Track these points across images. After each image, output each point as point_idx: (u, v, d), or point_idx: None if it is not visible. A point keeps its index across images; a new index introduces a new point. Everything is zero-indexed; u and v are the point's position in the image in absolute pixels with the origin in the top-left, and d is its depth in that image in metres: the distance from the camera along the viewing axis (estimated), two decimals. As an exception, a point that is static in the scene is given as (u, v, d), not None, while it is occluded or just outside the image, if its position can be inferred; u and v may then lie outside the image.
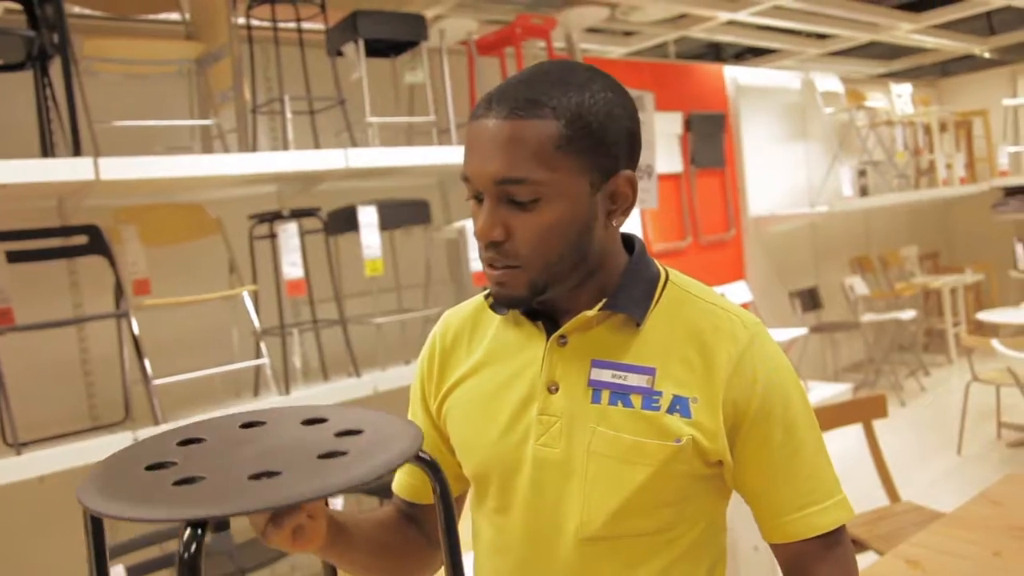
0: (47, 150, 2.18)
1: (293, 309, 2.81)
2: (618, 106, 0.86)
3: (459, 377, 0.98)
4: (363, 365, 2.55)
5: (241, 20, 2.50)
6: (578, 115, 0.83)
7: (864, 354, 5.84)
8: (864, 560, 2.22)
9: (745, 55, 5.75)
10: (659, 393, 0.87)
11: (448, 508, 0.75)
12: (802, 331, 4.81)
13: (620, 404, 0.87)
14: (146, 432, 2.06)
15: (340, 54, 2.66)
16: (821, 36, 5.01)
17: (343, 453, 0.63)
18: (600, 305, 0.90)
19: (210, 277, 2.52)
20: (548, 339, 0.91)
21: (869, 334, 5.73)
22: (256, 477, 0.59)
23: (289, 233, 2.38)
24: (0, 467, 1.87)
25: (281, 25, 2.61)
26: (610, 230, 0.90)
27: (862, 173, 5.39)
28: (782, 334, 4.72)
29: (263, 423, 0.73)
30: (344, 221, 2.53)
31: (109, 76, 2.37)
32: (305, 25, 2.65)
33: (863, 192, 5.41)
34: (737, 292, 4.88)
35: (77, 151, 2.08)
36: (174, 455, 0.65)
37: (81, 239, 2.22)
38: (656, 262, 0.97)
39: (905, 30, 4.74)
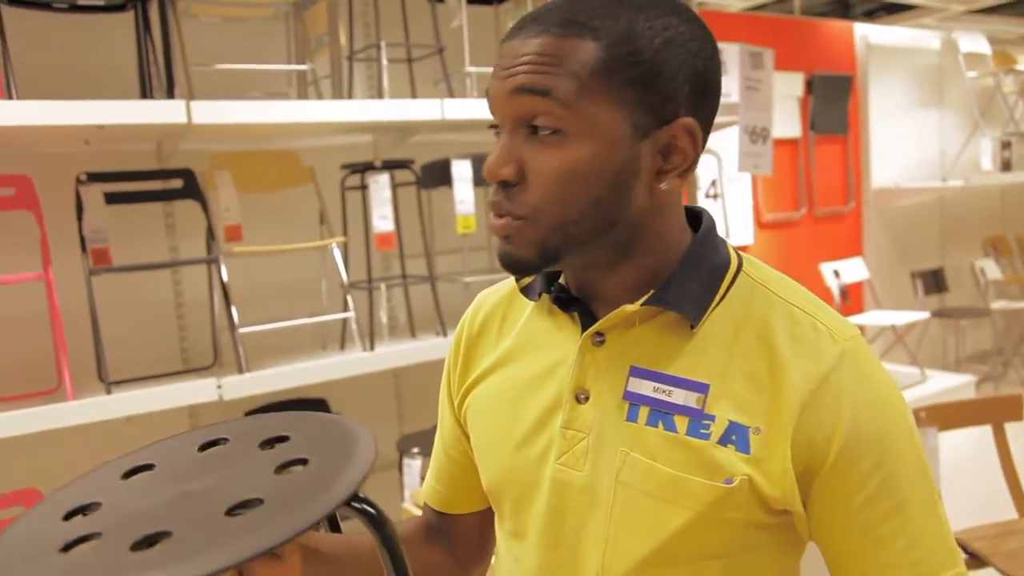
0: (146, 92, 2.18)
1: (383, 263, 2.76)
2: (685, 36, 0.68)
3: (482, 371, 0.83)
4: (451, 324, 2.47)
5: (341, -38, 2.43)
6: (626, 39, 0.66)
7: (992, 344, 5.39)
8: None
9: (877, 12, 5.30)
10: (711, 417, 0.69)
11: (398, 564, 0.61)
12: (923, 315, 4.47)
13: (661, 426, 0.70)
14: (231, 380, 2.06)
15: (441, 0, 2.56)
16: (968, -9, 4.55)
17: (259, 502, 0.54)
18: (643, 299, 0.71)
19: (301, 226, 2.49)
20: (582, 335, 0.74)
21: (999, 322, 5.29)
22: (139, 546, 0.52)
23: (380, 185, 2.31)
24: (90, 405, 1.90)
25: (382, -31, 2.52)
26: (659, 195, 0.70)
27: (1006, 145, 4.91)
28: (900, 317, 4.40)
29: (225, 440, 0.66)
30: (437, 174, 2.44)
31: (209, 19, 2.35)
32: (407, -31, 2.55)
33: (1005, 166, 4.94)
34: (853, 269, 4.57)
35: (171, 93, 2.06)
36: (106, 492, 0.60)
37: (176, 183, 2.22)
38: (729, 245, 0.76)
39: (1068, -15, 4.25)
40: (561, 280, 0.80)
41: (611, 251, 0.72)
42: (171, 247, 2.42)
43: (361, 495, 0.57)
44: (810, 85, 4.47)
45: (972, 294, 5.36)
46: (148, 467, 0.63)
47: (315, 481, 0.56)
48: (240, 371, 2.09)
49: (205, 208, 2.20)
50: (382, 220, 2.31)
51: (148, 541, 0.52)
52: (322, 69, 2.40)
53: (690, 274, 0.73)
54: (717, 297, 0.73)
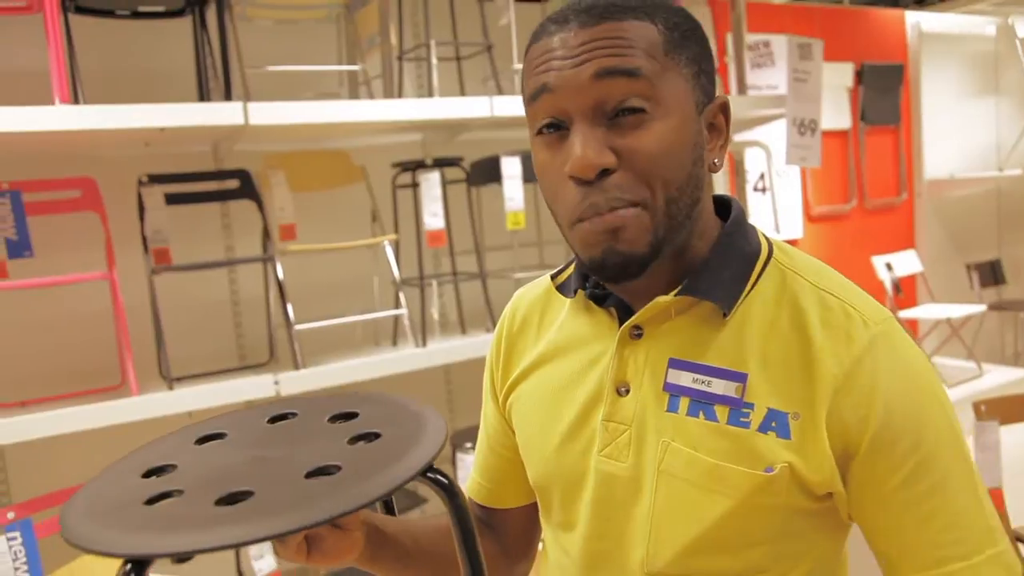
0: (204, 95, 2.23)
1: (433, 260, 2.79)
2: (697, 23, 0.72)
3: (524, 369, 0.84)
4: (500, 320, 2.49)
5: (390, -37, 2.45)
6: (674, 21, 0.69)
7: (1052, 336, 5.24)
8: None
9: None
10: (750, 406, 0.69)
11: (468, 534, 0.60)
12: (979, 308, 4.37)
13: (701, 416, 0.71)
14: (287, 375, 2.10)
15: (489, -2, 2.57)
16: (1025, -24, 4.42)
17: (337, 468, 0.55)
18: (677, 290, 0.72)
19: (353, 225, 2.53)
20: (619, 329, 0.75)
21: (1059, 314, 5.13)
22: (224, 501, 0.52)
23: (431, 183, 2.34)
24: (154, 400, 1.95)
25: (430, -32, 2.54)
26: (706, 177, 0.73)
27: (1065, 133, 4.77)
28: (955, 310, 4.30)
29: (294, 414, 0.67)
30: (487, 172, 2.46)
31: (262, 22, 2.39)
32: (454, -32, 2.57)
33: (1064, 154, 4.80)
34: (906, 262, 4.48)
35: (228, 96, 2.11)
36: (182, 455, 0.61)
37: (233, 183, 2.27)
38: (759, 232, 0.77)
39: None
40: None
41: (687, 233, 0.73)
42: (227, 246, 2.48)
43: (435, 466, 0.58)
44: (860, 75, 4.38)
45: (1030, 286, 5.22)
46: (220, 436, 0.64)
47: (391, 451, 0.57)
48: (296, 367, 2.14)
49: (260, 208, 2.24)
50: (433, 217, 2.33)
51: (231, 499, 0.53)
52: (373, 69, 2.43)
53: (722, 262, 0.73)
54: (749, 285, 0.73)
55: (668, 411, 0.72)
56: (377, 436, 0.60)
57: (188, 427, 0.67)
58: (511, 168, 2.39)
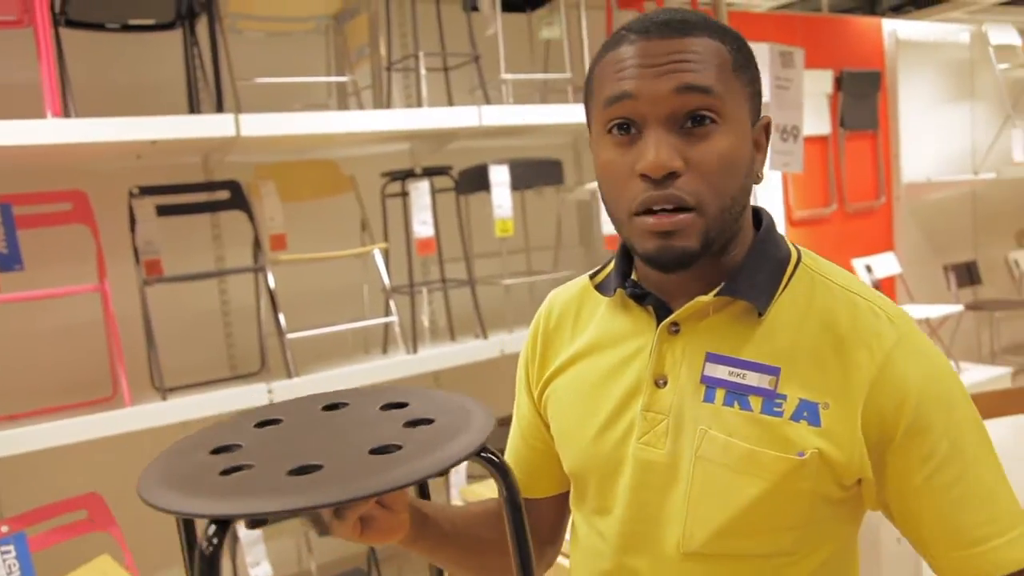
0: (194, 107, 2.24)
1: (423, 268, 2.81)
2: (751, 49, 0.79)
3: (561, 363, 0.89)
4: (490, 327, 2.52)
5: (378, -25, 2.47)
6: (738, 44, 0.75)
7: (1027, 336, 5.34)
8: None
9: (906, 7, 5.27)
10: (783, 396, 0.75)
11: (516, 513, 0.66)
12: (956, 308, 4.44)
13: (737, 406, 0.76)
14: (280, 384, 2.11)
15: (475, 9, 2.60)
16: (998, -17, 4.51)
17: (398, 447, 0.58)
18: (717, 290, 0.77)
19: (343, 234, 2.54)
20: (658, 326, 0.80)
21: (1035, 314, 5.23)
22: (296, 472, 0.56)
23: (420, 191, 2.36)
24: (148, 411, 1.96)
25: (417, -21, 2.56)
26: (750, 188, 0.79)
27: (1038, 136, 4.87)
28: (933, 310, 4.37)
29: (345, 404, 0.71)
30: (475, 180, 2.48)
31: (252, 34, 2.41)
32: (441, -21, 2.59)
33: (1038, 158, 4.89)
34: (885, 264, 4.55)
35: (220, 107, 2.12)
36: (244, 437, 0.65)
37: (223, 194, 2.28)
38: (787, 240, 0.83)
39: (1101, -26, 4.20)
40: (633, 276, 0.86)
41: (729, 238, 0.78)
42: (218, 257, 2.49)
43: (488, 447, 0.62)
44: (839, 82, 4.45)
45: (1006, 286, 5.31)
46: (276, 421, 0.68)
47: (446, 434, 0.61)
48: (289, 375, 2.15)
49: (251, 218, 2.26)
50: (422, 225, 2.36)
51: (302, 471, 0.56)
52: (362, 80, 2.45)
53: (757, 265, 0.79)
54: (781, 287, 0.79)
55: (705, 401, 0.77)
56: (431, 421, 0.64)
57: (243, 413, 0.71)
58: (499, 176, 2.42)
